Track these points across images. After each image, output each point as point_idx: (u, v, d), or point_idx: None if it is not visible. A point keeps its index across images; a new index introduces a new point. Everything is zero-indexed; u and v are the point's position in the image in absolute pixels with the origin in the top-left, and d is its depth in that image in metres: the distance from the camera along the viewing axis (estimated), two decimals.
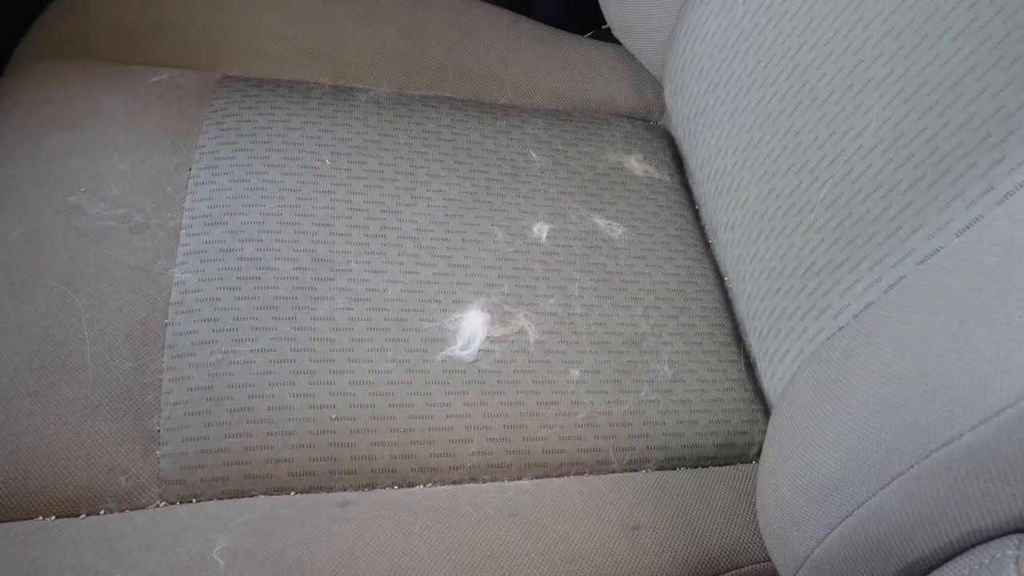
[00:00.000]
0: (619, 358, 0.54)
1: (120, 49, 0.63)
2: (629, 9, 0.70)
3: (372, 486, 0.47)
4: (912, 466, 0.31)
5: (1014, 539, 0.30)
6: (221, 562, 0.40)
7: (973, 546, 0.31)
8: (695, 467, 0.52)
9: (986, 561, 0.30)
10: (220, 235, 0.53)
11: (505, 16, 0.73)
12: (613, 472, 0.51)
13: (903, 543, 0.33)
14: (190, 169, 0.56)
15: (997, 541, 0.30)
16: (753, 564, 0.47)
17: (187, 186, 0.55)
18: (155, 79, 0.61)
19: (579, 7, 0.79)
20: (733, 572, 0.47)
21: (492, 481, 0.48)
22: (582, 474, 0.50)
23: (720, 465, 0.52)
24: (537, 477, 0.49)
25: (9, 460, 0.43)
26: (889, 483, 0.32)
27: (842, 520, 0.35)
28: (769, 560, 0.46)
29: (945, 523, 0.31)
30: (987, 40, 0.39)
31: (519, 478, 0.49)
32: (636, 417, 0.52)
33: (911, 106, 0.43)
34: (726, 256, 0.60)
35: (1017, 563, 0.29)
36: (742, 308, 0.57)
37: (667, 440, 0.52)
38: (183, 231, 0.53)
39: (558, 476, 0.50)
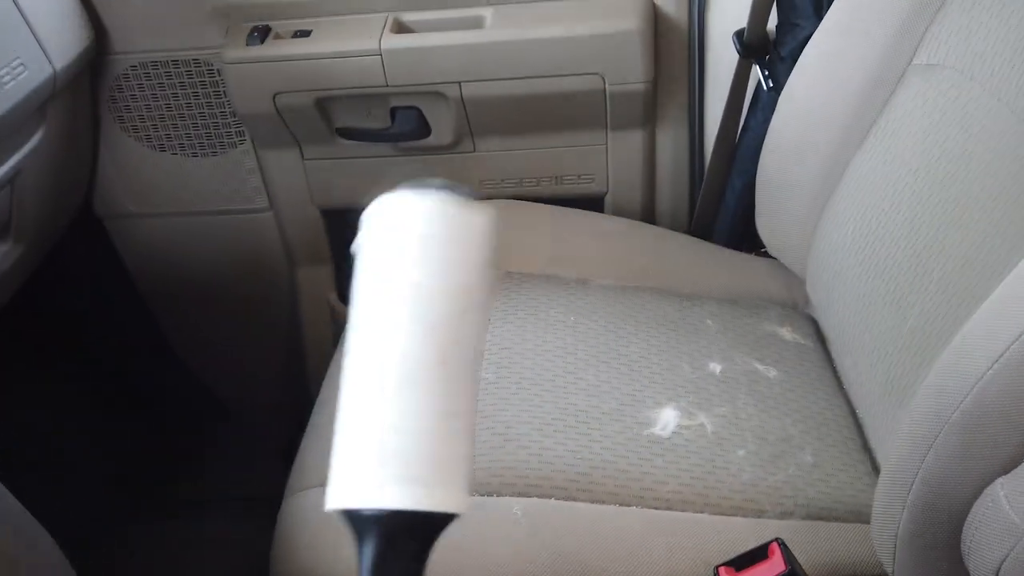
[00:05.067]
0: (774, 448, 0.77)
1: None
2: (779, 238, 1.00)
3: (604, 503, 0.72)
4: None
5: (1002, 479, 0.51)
6: (519, 513, 0.66)
7: None
8: (829, 522, 0.72)
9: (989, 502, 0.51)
10: (508, 355, 0.84)
11: (692, 240, 1.06)
12: (768, 519, 0.72)
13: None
14: (489, 320, 0.90)
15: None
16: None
17: (488, 328, 0.88)
18: None
19: (744, 236, 1.10)
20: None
21: (682, 512, 0.72)
22: (745, 517, 0.72)
23: (848, 522, 0.72)
24: (712, 515, 0.72)
25: None
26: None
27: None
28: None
29: None
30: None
31: (700, 513, 0.72)
32: (785, 485, 0.74)
33: (964, 259, 0.67)
34: (854, 392, 0.83)
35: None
36: (867, 427, 0.79)
37: (808, 503, 0.73)
38: (485, 352, 0.85)
39: (727, 515, 0.72)
